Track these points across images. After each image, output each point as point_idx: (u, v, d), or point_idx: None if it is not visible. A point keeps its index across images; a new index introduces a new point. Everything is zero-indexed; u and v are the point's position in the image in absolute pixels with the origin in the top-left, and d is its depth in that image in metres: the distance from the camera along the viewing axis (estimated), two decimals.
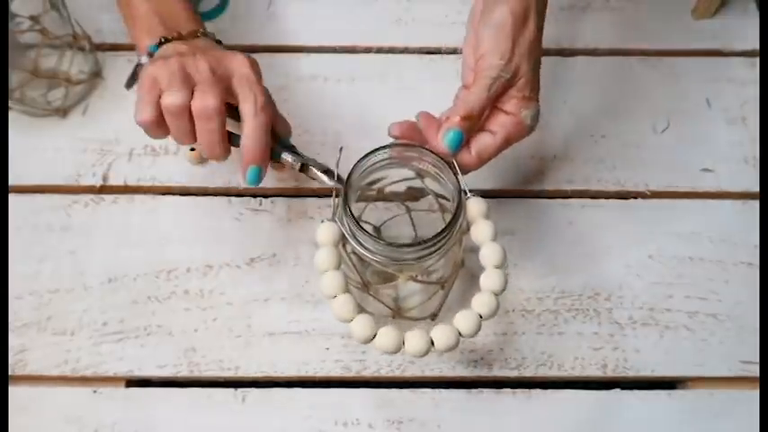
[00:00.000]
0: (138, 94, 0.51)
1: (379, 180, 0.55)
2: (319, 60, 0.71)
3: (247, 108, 0.51)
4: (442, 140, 0.50)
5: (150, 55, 0.54)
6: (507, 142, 0.52)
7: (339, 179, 0.53)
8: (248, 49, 0.71)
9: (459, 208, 0.49)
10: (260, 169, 0.51)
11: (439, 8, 0.73)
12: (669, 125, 0.68)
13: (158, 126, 0.51)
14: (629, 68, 0.71)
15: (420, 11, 0.74)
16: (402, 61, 0.71)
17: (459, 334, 0.47)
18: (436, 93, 0.71)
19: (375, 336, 0.47)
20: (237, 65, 0.52)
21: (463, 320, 0.47)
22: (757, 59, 0.72)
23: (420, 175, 0.54)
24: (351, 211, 0.48)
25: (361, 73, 0.70)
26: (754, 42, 0.73)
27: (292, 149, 0.55)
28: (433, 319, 0.57)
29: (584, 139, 0.68)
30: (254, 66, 0.53)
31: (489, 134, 0.52)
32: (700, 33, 0.73)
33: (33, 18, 0.64)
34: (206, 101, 0.49)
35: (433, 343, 0.47)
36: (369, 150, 0.50)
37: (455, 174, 0.50)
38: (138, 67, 0.56)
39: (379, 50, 0.71)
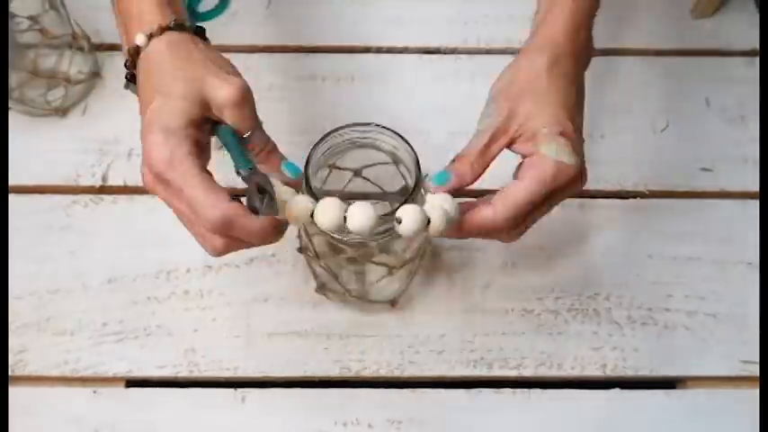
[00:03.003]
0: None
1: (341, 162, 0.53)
2: (319, 60, 0.71)
3: None
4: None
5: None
6: (542, 186, 0.44)
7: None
8: (248, 49, 0.71)
9: (417, 186, 0.47)
10: None
11: (439, 8, 0.73)
12: (668, 125, 0.68)
13: None
14: (629, 68, 0.71)
15: (420, 11, 0.73)
16: (402, 61, 0.71)
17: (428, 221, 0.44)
18: (436, 93, 0.71)
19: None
20: None
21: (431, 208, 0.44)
22: (757, 59, 0.72)
23: (395, 161, 0.52)
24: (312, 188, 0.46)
25: (361, 73, 0.70)
26: (753, 42, 0.73)
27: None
28: (392, 305, 0.59)
29: (584, 138, 0.67)
30: None
31: (516, 181, 0.45)
32: (699, 33, 0.73)
33: (32, 18, 0.64)
34: None
35: (399, 221, 0.44)
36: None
37: (412, 150, 0.48)
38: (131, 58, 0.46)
39: (379, 50, 0.71)
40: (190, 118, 0.43)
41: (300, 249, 0.56)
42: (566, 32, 0.48)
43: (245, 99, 0.44)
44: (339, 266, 0.56)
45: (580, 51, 0.50)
